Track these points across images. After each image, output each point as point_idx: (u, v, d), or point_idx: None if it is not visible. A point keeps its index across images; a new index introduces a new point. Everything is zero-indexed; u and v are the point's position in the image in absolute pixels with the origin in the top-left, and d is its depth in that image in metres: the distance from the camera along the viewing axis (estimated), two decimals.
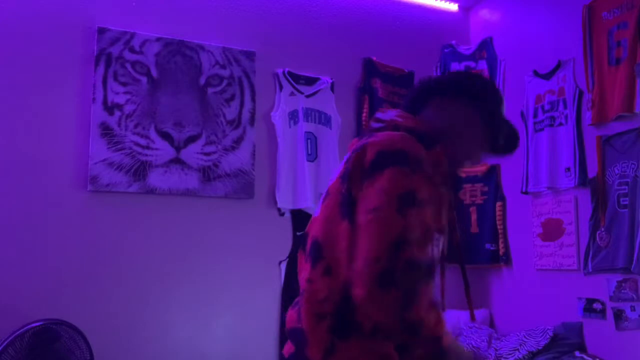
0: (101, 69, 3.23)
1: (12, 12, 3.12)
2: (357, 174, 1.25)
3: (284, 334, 1.36)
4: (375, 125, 1.40)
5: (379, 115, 1.44)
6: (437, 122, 1.43)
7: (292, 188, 3.58)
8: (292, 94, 3.68)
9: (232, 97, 3.51)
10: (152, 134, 3.29)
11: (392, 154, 1.22)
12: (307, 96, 3.71)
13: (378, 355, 1.21)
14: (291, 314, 1.32)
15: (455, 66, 4.06)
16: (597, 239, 3.11)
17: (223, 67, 3.51)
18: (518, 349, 3.27)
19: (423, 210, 1.20)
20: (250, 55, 3.58)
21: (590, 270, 3.14)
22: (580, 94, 3.30)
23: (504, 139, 1.51)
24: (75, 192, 3.14)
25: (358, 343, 1.20)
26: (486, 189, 3.91)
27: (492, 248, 3.81)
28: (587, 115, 3.22)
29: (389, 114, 1.41)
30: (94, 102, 3.20)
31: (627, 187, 2.96)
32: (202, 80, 3.45)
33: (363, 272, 1.14)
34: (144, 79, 3.32)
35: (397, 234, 1.14)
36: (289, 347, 1.31)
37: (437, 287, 1.41)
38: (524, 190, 3.58)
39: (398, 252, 1.13)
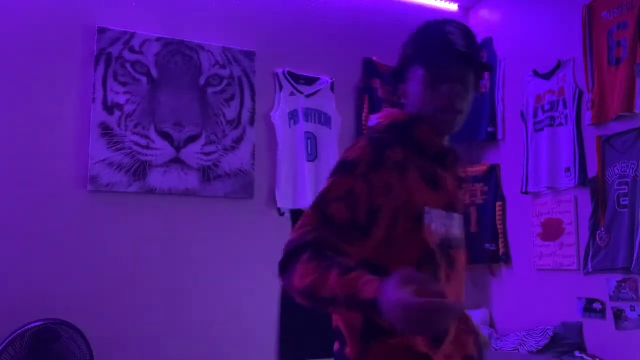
0: (101, 69, 3.23)
1: (12, 12, 3.12)
2: None
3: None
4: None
5: (371, 120, 1.50)
6: (408, 99, 1.46)
7: (292, 188, 3.58)
8: (292, 94, 3.68)
9: (232, 97, 3.51)
10: (152, 134, 3.29)
11: (339, 164, 1.35)
12: (307, 96, 3.71)
13: (403, 349, 1.26)
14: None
15: None
16: (597, 239, 3.10)
17: (223, 67, 3.51)
18: (518, 349, 3.27)
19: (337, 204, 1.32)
20: (250, 55, 3.58)
21: (590, 270, 3.14)
22: (580, 94, 3.30)
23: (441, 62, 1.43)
24: (75, 192, 3.14)
25: (385, 343, 1.27)
26: (486, 188, 3.91)
27: (492, 248, 3.81)
28: (587, 115, 3.22)
29: (373, 119, 1.48)
30: (94, 102, 3.20)
31: (627, 187, 2.96)
32: (202, 80, 3.45)
33: None
34: (144, 79, 3.32)
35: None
36: (336, 345, 1.39)
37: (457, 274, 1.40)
38: (524, 190, 3.58)
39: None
